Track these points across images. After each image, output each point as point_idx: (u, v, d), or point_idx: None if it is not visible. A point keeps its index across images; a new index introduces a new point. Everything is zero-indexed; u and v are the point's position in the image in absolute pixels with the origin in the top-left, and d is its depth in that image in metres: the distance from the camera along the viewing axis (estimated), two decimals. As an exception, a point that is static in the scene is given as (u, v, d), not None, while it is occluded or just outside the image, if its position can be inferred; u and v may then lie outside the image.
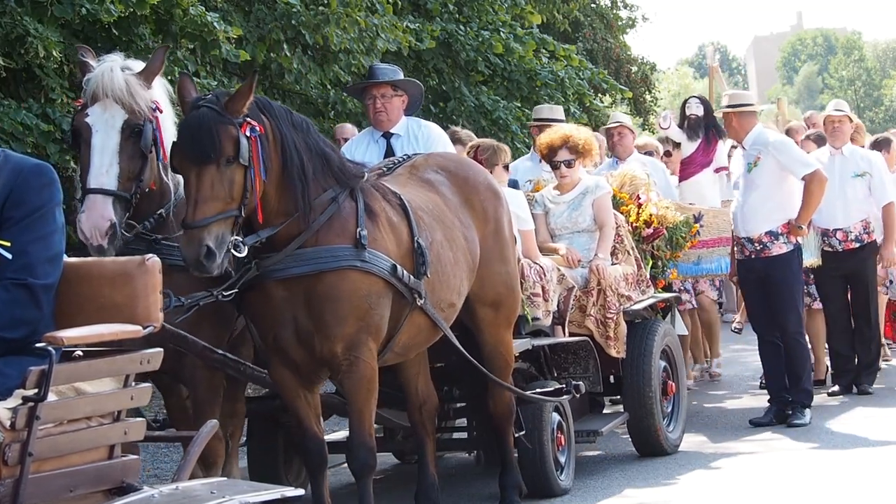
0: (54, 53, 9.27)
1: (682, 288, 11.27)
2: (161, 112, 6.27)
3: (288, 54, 12.39)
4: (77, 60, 6.56)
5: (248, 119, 5.97)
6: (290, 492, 4.42)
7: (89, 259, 5.16)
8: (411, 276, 6.45)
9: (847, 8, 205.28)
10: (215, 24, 10.41)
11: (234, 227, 5.90)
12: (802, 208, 9.86)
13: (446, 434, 8.77)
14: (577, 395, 8.01)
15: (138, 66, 6.38)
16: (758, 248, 9.95)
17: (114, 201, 6.03)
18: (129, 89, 6.14)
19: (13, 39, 9.22)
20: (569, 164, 8.92)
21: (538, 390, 7.82)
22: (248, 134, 5.93)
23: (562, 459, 7.96)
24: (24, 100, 9.65)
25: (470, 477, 8.79)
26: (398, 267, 6.36)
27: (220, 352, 6.41)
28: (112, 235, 6.01)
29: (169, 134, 6.30)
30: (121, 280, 4.29)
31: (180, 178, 6.38)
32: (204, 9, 10.50)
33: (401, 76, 8.35)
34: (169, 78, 10.15)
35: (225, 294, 6.12)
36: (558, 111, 11.53)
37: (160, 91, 6.40)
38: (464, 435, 8.55)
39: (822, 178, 9.89)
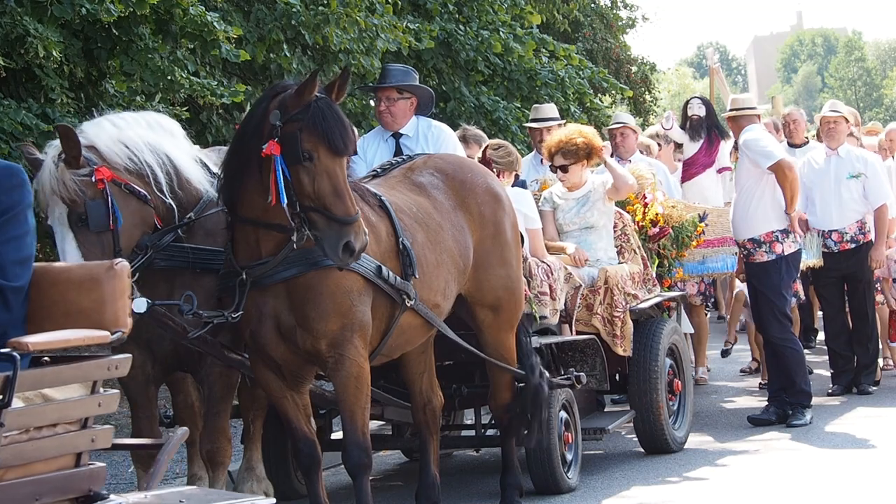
0: (54, 53, 9.26)
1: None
2: (108, 177, 6.12)
3: (288, 54, 12.38)
4: (26, 157, 6.39)
5: None
6: (261, 501, 4.37)
7: (56, 263, 5.11)
8: (397, 277, 6.44)
9: (847, 8, 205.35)
10: (215, 24, 10.41)
11: None
12: (785, 199, 9.82)
13: (454, 431, 8.80)
14: (579, 386, 8.02)
15: (96, 130, 6.26)
16: (744, 252, 9.99)
17: None
18: (59, 180, 6.05)
19: (13, 39, 9.21)
20: (564, 169, 8.97)
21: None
22: None
23: (569, 457, 7.99)
24: (24, 100, 9.64)
25: (470, 476, 8.80)
26: (383, 268, 6.35)
27: (239, 354, 6.47)
28: None
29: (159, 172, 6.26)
30: (88, 285, 4.22)
31: (202, 185, 6.39)
32: (204, 9, 10.49)
33: (413, 77, 8.40)
34: (168, 78, 10.23)
35: (234, 316, 6.15)
36: (551, 109, 11.47)
37: (108, 144, 6.24)
38: (471, 433, 8.57)
39: (787, 165, 9.79)
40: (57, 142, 6.23)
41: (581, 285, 8.47)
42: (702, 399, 11.26)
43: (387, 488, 8.65)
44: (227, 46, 10.71)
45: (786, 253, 9.87)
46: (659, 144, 12.38)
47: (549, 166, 9.26)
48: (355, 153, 6.14)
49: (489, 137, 13.43)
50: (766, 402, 10.09)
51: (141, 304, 6.06)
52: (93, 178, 6.10)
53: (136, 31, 10.13)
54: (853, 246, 10.96)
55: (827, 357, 11.48)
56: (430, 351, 7.36)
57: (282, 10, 12.13)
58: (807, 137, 12.55)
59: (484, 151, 8.47)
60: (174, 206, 6.36)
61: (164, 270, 6.38)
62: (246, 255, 6.18)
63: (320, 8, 12.24)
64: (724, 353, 12.52)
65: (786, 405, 9.90)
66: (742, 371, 12.56)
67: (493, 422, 7.96)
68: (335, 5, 12.17)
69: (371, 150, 8.25)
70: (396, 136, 8.31)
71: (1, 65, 9.09)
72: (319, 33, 12.24)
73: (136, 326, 6.21)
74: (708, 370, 12.36)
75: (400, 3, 14.50)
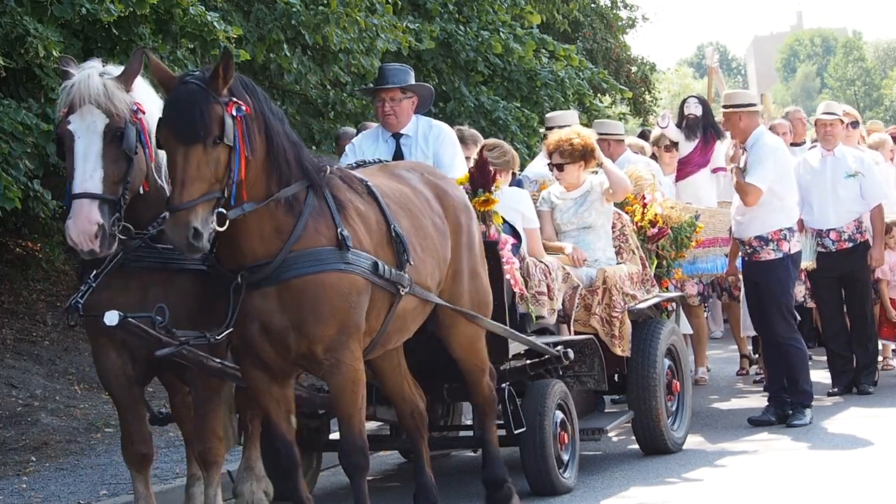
0: (54, 53, 9.26)
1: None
2: (144, 113, 6.18)
3: (288, 54, 12.39)
4: (60, 70, 6.47)
5: (235, 99, 5.89)
6: None
7: None
8: (392, 270, 6.38)
9: (847, 8, 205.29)
10: (215, 24, 10.42)
11: (215, 207, 5.80)
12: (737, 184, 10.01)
13: (452, 432, 8.79)
14: (567, 361, 7.98)
15: (118, 70, 6.32)
16: (748, 251, 9.99)
17: (100, 204, 5.96)
18: (107, 93, 6.08)
19: (13, 39, 9.22)
20: (560, 168, 8.99)
21: (532, 363, 7.86)
22: (234, 114, 5.86)
23: (565, 457, 7.94)
24: (24, 100, 9.65)
25: (469, 476, 8.80)
26: (379, 263, 6.29)
27: (217, 361, 6.38)
28: (102, 238, 5.94)
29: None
30: None
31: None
32: (204, 9, 10.51)
33: (411, 76, 8.32)
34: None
35: (217, 337, 6.06)
36: (569, 117, 11.35)
37: (143, 92, 6.32)
38: (469, 433, 8.55)
39: (752, 193, 9.79)
40: (93, 61, 6.28)
41: (579, 285, 8.47)
42: (702, 399, 11.26)
43: (385, 489, 8.65)
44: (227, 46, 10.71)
45: (791, 251, 9.88)
46: (656, 146, 12.35)
47: (548, 164, 9.28)
48: (202, 139, 5.75)
49: (489, 137, 13.42)
50: (766, 403, 10.09)
51: (112, 318, 5.94)
52: (134, 108, 6.13)
53: (136, 31, 10.14)
54: (850, 245, 10.96)
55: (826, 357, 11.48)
56: (402, 359, 7.27)
57: (282, 10, 12.14)
58: (804, 140, 12.60)
59: (480, 151, 8.40)
60: (167, 188, 6.22)
61: (137, 271, 6.28)
62: (231, 256, 6.07)
63: (320, 8, 12.26)
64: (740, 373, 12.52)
65: (786, 405, 9.90)
66: (739, 373, 12.58)
67: None
68: (335, 5, 12.18)
69: (369, 151, 8.17)
70: (396, 136, 8.24)
71: (1, 65, 9.10)
72: (319, 33, 12.25)
73: (111, 328, 6.17)
74: (708, 370, 12.37)
75: (400, 3, 14.51)
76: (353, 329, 6.20)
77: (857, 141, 12.12)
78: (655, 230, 9.51)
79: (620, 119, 18.02)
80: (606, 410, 9.82)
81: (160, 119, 5.92)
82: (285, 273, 6.04)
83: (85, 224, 5.91)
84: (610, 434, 9.30)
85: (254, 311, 6.07)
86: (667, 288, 9.79)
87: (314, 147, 13.21)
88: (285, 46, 12.36)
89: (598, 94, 18.73)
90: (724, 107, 10.26)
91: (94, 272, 6.08)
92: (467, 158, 8.63)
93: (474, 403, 7.56)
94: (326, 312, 6.09)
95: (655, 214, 9.49)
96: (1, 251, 13.47)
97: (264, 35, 12.12)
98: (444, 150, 8.13)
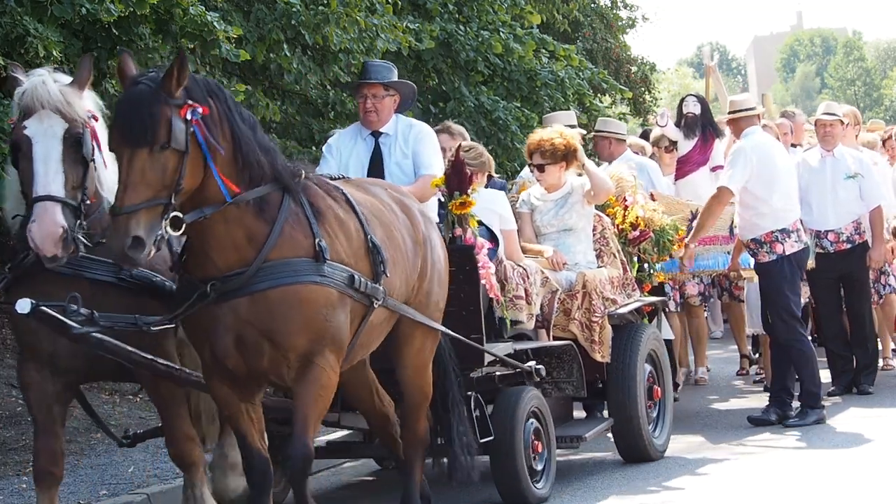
0: (54, 53, 9.26)
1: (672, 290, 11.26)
2: (97, 120, 6.11)
3: (288, 54, 12.38)
4: (8, 76, 6.39)
5: (191, 101, 5.63)
6: None
7: None
8: (368, 283, 6.21)
9: (847, 8, 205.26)
10: (215, 23, 10.40)
11: (163, 214, 5.52)
12: (696, 223, 10.04)
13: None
14: (539, 379, 7.84)
15: (65, 78, 6.25)
16: (750, 253, 10.02)
17: (63, 208, 5.83)
18: (65, 99, 6.01)
19: (13, 39, 9.21)
20: (541, 169, 8.90)
21: (502, 375, 7.74)
22: (188, 117, 5.59)
23: (539, 467, 7.71)
24: (23, 100, 9.62)
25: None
26: (355, 277, 6.11)
27: (148, 356, 6.17)
28: (65, 242, 5.80)
29: (105, 143, 6.07)
30: None
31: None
32: (204, 8, 10.49)
33: (394, 75, 8.19)
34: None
35: (153, 328, 5.91)
36: (566, 117, 11.33)
37: (91, 101, 6.25)
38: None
39: (722, 196, 9.87)
40: (42, 69, 6.21)
41: (558, 289, 8.34)
42: (701, 399, 11.27)
43: (367, 495, 8.55)
44: (227, 46, 10.70)
45: (787, 252, 9.84)
46: (656, 146, 12.35)
47: (528, 165, 9.19)
48: (146, 143, 5.50)
49: (489, 137, 13.41)
50: (767, 403, 10.09)
51: (24, 305, 5.78)
52: (89, 115, 6.08)
53: (136, 31, 10.12)
54: (849, 246, 10.97)
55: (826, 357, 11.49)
56: (369, 372, 7.15)
57: (282, 10, 12.13)
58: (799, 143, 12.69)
59: (456, 153, 8.18)
60: (106, 200, 6.14)
61: (61, 279, 6.04)
62: (200, 265, 5.89)
63: (320, 8, 12.24)
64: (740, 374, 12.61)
65: (786, 405, 9.91)
66: (739, 373, 12.60)
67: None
68: (335, 5, 12.17)
69: (346, 149, 8.05)
70: (375, 134, 8.08)
71: (1, 65, 9.10)
72: (319, 33, 12.24)
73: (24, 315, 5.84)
74: (708, 370, 12.38)
75: (400, 3, 14.50)
76: (328, 339, 6.00)
77: (854, 139, 12.13)
78: (637, 233, 9.37)
79: (620, 119, 18.01)
80: (588, 418, 9.62)
81: (112, 123, 5.74)
82: (259, 283, 5.84)
83: (50, 226, 5.77)
84: (609, 435, 9.28)
85: (228, 324, 5.87)
86: (661, 288, 9.71)
87: (314, 147, 13.21)
88: (285, 46, 12.35)
89: (598, 94, 18.71)
90: (728, 113, 10.35)
91: (10, 265, 6.00)
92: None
93: (406, 442, 7.14)
94: (300, 324, 5.91)
95: (637, 217, 9.38)
96: (1, 251, 13.46)
97: (264, 35, 12.11)
98: (423, 148, 7.98)
